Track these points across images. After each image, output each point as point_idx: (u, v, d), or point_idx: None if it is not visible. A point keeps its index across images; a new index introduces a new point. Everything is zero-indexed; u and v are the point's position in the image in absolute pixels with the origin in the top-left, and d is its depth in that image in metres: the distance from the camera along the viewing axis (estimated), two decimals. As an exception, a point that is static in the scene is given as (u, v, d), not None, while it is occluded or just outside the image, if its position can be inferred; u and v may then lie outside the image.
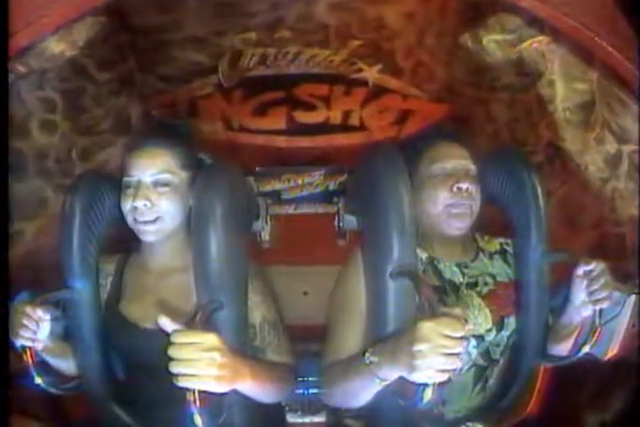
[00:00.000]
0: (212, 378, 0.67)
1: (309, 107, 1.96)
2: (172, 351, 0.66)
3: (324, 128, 1.97)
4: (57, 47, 1.20)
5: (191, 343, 0.67)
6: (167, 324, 0.69)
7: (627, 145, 1.13)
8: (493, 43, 1.41)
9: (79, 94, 1.38)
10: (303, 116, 1.97)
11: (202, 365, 0.66)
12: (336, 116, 1.98)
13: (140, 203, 0.91)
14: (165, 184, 0.93)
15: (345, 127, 1.98)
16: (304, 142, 1.97)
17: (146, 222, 0.92)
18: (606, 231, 1.22)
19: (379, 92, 1.94)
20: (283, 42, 1.78)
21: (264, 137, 1.96)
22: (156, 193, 0.93)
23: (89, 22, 1.25)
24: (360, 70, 1.90)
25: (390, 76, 1.89)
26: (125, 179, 0.95)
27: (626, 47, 0.81)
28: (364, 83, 1.92)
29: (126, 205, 0.93)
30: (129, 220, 0.94)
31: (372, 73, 1.91)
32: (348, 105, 1.97)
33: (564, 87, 1.25)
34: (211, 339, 0.68)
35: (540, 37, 1.24)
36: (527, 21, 1.22)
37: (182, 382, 0.66)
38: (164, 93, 1.81)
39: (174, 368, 0.66)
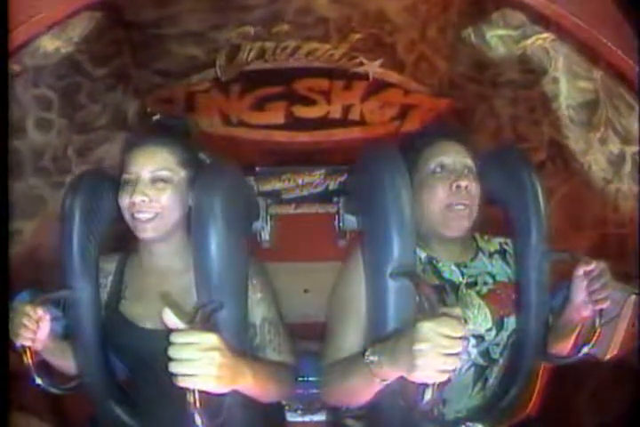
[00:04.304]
0: (212, 378, 0.67)
1: (309, 101, 1.95)
2: (171, 352, 0.66)
3: (323, 123, 1.97)
4: (52, 44, 1.18)
5: (191, 343, 0.66)
6: (171, 318, 0.68)
7: (630, 146, 1.12)
8: (496, 38, 1.40)
9: (75, 91, 1.37)
10: (302, 111, 1.96)
11: (202, 365, 0.66)
12: (336, 111, 1.97)
13: (137, 198, 0.90)
14: (164, 181, 0.93)
15: (345, 122, 1.97)
16: (303, 137, 1.96)
17: (145, 219, 0.92)
18: (608, 231, 1.21)
19: (379, 86, 1.93)
20: (281, 36, 1.76)
21: (263, 132, 1.95)
22: (155, 189, 0.92)
23: (84, 18, 1.23)
24: (361, 64, 1.89)
25: (391, 70, 1.88)
26: (124, 176, 0.94)
27: (630, 47, 0.79)
28: (365, 77, 1.91)
29: (124, 201, 0.92)
30: (127, 217, 0.93)
31: (372, 67, 1.90)
32: (348, 99, 1.96)
33: (568, 85, 1.24)
34: (211, 339, 0.68)
35: (545, 35, 1.22)
36: (531, 18, 1.20)
37: (182, 383, 0.66)
38: (161, 88, 1.80)
39: (174, 368, 0.65)
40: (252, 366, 0.78)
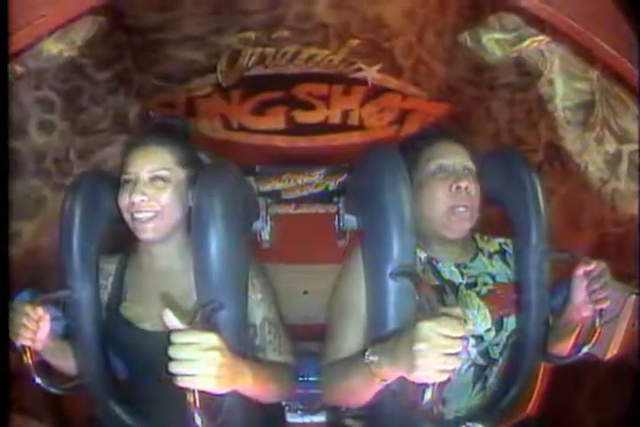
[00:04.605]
0: (212, 378, 0.66)
1: (308, 106, 1.96)
2: (172, 351, 0.66)
3: (323, 128, 1.98)
4: (55, 47, 1.20)
5: (191, 343, 0.66)
6: (171, 319, 0.68)
7: (627, 145, 1.13)
8: (493, 41, 1.42)
9: (77, 94, 1.39)
10: (302, 116, 1.97)
11: (202, 365, 0.66)
12: (335, 116, 1.98)
13: (136, 198, 0.91)
14: (162, 180, 0.93)
15: (344, 127, 1.99)
16: (303, 142, 1.97)
17: (144, 218, 0.92)
18: (606, 231, 1.22)
19: (378, 91, 1.95)
20: (281, 41, 1.78)
21: (263, 137, 1.96)
22: (154, 188, 0.92)
23: (87, 22, 1.25)
24: (359, 70, 1.91)
25: (390, 75, 1.89)
26: (123, 177, 0.95)
27: (627, 47, 0.80)
28: (364, 82, 1.93)
29: (123, 202, 0.93)
30: (126, 217, 0.93)
31: (371, 72, 1.92)
32: (347, 104, 1.97)
33: (564, 86, 1.26)
34: (211, 339, 0.68)
35: (540, 37, 1.24)
36: (527, 21, 1.22)
37: (182, 383, 0.66)
38: (162, 93, 1.82)
39: (174, 368, 0.65)
40: (251, 367, 0.78)
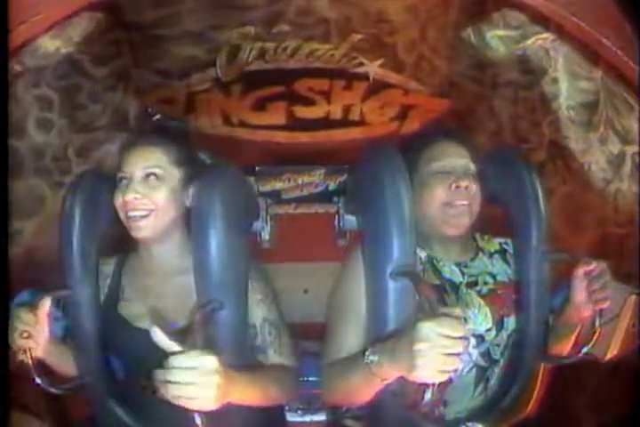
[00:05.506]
0: (211, 399, 0.66)
1: (309, 102, 1.95)
2: (170, 375, 0.64)
3: (324, 123, 1.97)
4: (52, 44, 1.19)
5: (191, 368, 0.65)
6: (160, 337, 0.67)
7: (630, 146, 1.13)
8: (496, 38, 1.40)
9: (75, 91, 1.38)
10: (303, 112, 1.96)
11: (201, 388, 0.65)
12: (336, 111, 1.97)
13: (130, 196, 0.91)
14: (156, 178, 0.93)
15: (345, 122, 1.97)
16: (304, 138, 1.96)
17: (138, 217, 0.92)
18: (608, 231, 1.22)
19: (379, 86, 1.93)
20: (282, 36, 1.76)
21: (263, 132, 1.95)
22: (147, 187, 0.92)
23: (84, 18, 1.24)
24: (361, 65, 1.89)
25: (391, 70, 1.88)
26: (118, 175, 0.95)
27: (630, 48, 0.79)
28: (365, 77, 1.91)
29: (118, 200, 0.93)
30: (122, 215, 0.94)
31: (373, 67, 1.90)
32: (348, 100, 1.96)
33: (568, 85, 1.25)
34: (210, 362, 0.67)
35: (545, 35, 1.23)
36: (532, 18, 1.21)
37: (181, 404, 0.65)
38: (162, 88, 1.80)
39: (173, 391, 0.65)
40: (250, 379, 0.79)
